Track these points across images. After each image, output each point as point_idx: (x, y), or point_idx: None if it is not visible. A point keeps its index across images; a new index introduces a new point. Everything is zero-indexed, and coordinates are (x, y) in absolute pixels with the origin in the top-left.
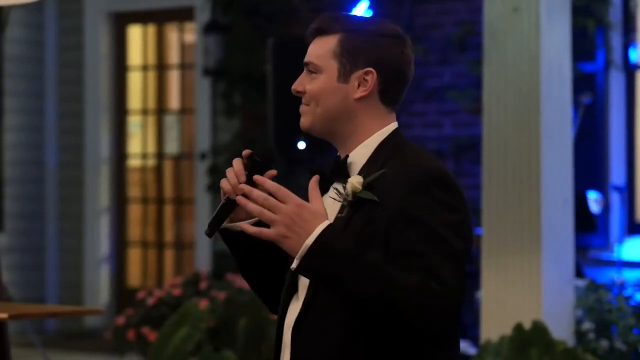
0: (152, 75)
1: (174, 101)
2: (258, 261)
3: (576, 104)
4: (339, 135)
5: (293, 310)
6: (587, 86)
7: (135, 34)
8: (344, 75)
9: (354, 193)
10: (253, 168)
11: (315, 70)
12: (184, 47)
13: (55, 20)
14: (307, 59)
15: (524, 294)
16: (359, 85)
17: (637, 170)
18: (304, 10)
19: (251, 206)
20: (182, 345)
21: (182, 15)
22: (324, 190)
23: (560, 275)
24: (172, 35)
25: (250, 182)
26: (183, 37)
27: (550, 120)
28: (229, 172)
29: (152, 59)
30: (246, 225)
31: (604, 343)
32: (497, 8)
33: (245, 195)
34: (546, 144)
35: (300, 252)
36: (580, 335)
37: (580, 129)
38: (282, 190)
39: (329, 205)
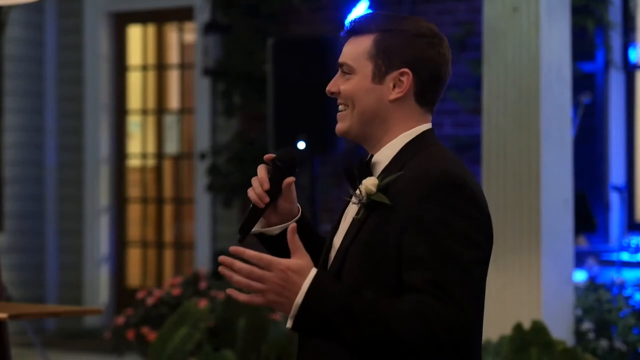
0: (151, 75)
1: (173, 101)
2: None
3: (576, 103)
4: (373, 137)
5: None
6: (587, 86)
7: (135, 34)
8: (378, 76)
9: (369, 195)
10: (275, 173)
11: (349, 71)
12: (183, 47)
13: (55, 20)
14: (341, 59)
15: (524, 294)
16: (394, 87)
17: (637, 170)
18: (304, 10)
19: (236, 278)
20: (181, 345)
21: (182, 15)
22: (353, 189)
23: (559, 275)
24: (172, 35)
25: (273, 188)
26: (183, 37)
27: (550, 120)
28: (254, 180)
29: (151, 59)
30: (235, 293)
31: (604, 343)
32: (497, 8)
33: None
34: (546, 144)
35: (292, 312)
36: (579, 335)
37: (580, 129)
38: (264, 259)
39: (350, 212)
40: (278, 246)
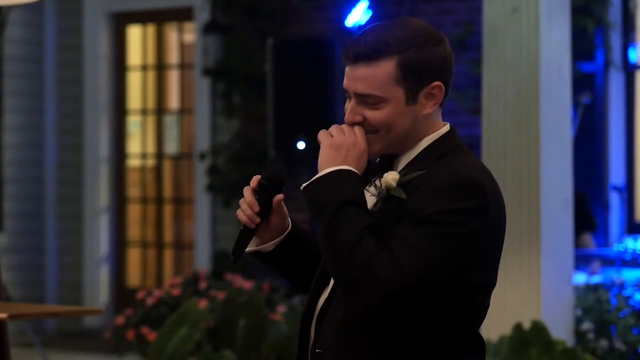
0: (151, 75)
1: (173, 101)
2: (294, 268)
3: (576, 104)
4: (404, 147)
5: (322, 299)
6: (587, 86)
7: (134, 34)
8: (412, 98)
9: (388, 189)
10: (262, 194)
11: (377, 101)
12: (183, 47)
13: (54, 20)
14: (361, 90)
15: (524, 294)
16: (426, 100)
17: (636, 170)
18: (304, 10)
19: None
20: (181, 345)
21: (182, 15)
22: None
23: (559, 275)
24: (172, 35)
25: (263, 209)
26: (182, 37)
27: (549, 120)
28: (242, 203)
29: (151, 59)
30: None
31: (604, 343)
32: (496, 8)
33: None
34: (546, 144)
35: (320, 173)
36: (579, 335)
37: (580, 129)
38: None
39: (367, 198)
40: (274, 261)
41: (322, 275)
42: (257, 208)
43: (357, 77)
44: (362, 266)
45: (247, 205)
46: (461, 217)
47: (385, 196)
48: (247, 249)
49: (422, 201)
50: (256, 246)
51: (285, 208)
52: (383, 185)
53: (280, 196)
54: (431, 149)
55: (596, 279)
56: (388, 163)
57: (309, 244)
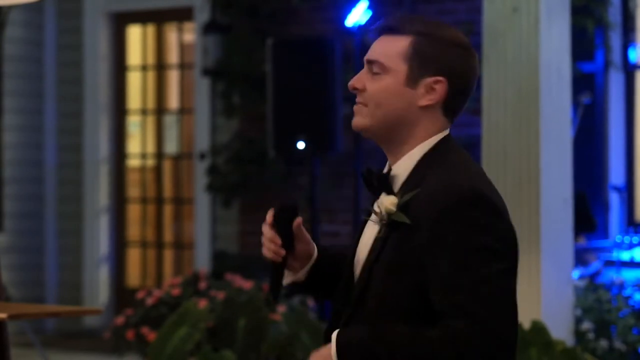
0: (151, 75)
1: (173, 101)
2: (330, 289)
3: (575, 104)
4: (393, 141)
5: (344, 317)
6: (587, 86)
7: (134, 34)
8: (412, 80)
9: (389, 215)
10: (281, 226)
11: (380, 70)
12: (183, 47)
13: (54, 20)
14: (372, 56)
15: (523, 294)
16: (425, 91)
17: (636, 170)
18: (304, 10)
19: None
20: (181, 345)
21: (182, 15)
22: (374, 198)
23: (559, 275)
24: (172, 35)
25: (285, 239)
26: (182, 37)
27: (549, 120)
28: (265, 241)
29: (151, 59)
30: None
31: (604, 343)
32: (496, 8)
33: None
34: (545, 144)
35: None
36: (579, 335)
37: (580, 129)
38: None
39: (370, 227)
40: (310, 288)
41: (342, 293)
42: (279, 241)
43: (375, 47)
44: (443, 349)
45: (268, 240)
46: (480, 231)
47: (387, 222)
48: (283, 283)
49: (434, 226)
50: (289, 279)
51: (306, 233)
52: (383, 211)
53: (299, 220)
54: (426, 158)
55: (595, 266)
56: (384, 181)
57: (339, 263)
